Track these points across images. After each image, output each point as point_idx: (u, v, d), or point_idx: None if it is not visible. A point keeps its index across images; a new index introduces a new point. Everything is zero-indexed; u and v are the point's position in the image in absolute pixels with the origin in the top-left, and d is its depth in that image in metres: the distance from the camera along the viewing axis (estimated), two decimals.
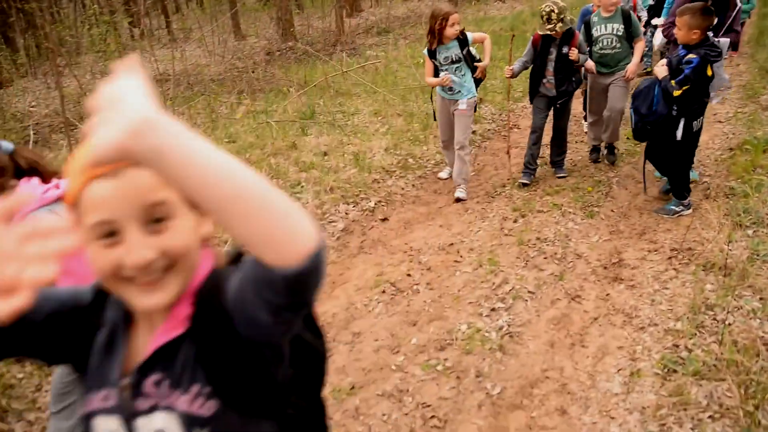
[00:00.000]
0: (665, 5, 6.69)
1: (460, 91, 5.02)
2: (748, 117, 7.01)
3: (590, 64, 5.25)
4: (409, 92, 8.09)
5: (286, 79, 9.58)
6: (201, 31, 13.69)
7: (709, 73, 4.16)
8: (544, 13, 4.90)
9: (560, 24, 4.83)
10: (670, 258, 4.09)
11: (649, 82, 4.32)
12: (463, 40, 4.92)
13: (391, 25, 15.66)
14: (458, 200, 5.16)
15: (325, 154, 6.05)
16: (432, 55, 5.01)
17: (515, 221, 4.75)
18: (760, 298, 3.44)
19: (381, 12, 17.86)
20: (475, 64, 5.07)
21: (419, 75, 8.65)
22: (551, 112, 5.41)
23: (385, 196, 5.31)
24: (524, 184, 5.41)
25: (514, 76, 5.30)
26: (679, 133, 4.27)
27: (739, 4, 4.95)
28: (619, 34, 5.23)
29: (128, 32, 14.90)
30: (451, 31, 4.78)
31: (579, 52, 5.02)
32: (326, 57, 10.95)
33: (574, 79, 5.19)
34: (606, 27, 5.26)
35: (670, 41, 4.89)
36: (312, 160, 5.82)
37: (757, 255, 3.90)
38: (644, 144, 4.79)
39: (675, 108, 4.16)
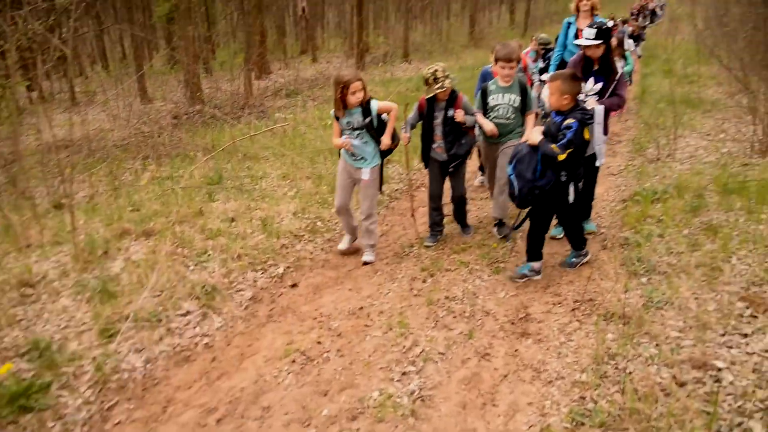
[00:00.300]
0: (551, 63, 7.31)
1: (363, 158, 4.97)
2: (638, 169, 7.45)
3: (489, 125, 5.16)
4: (317, 154, 8.14)
5: (193, 143, 9.45)
6: (105, 95, 13.37)
7: (587, 136, 4.29)
8: (428, 74, 4.94)
9: (447, 81, 4.88)
10: (573, 310, 4.21)
11: (528, 148, 4.33)
12: (366, 109, 4.86)
13: (299, 87, 15.87)
14: (365, 263, 5.13)
15: (233, 220, 5.95)
16: (339, 118, 4.98)
17: (424, 281, 4.79)
18: (656, 345, 3.58)
19: (290, 74, 18.09)
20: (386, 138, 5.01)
21: (327, 137, 8.75)
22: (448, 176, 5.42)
23: (294, 261, 5.25)
24: (428, 246, 5.44)
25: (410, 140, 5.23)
26: (570, 197, 4.36)
27: (621, 70, 5.19)
28: (516, 105, 5.20)
29: (26, 96, 14.37)
30: (352, 99, 4.72)
31: (466, 113, 5.05)
32: (234, 120, 10.91)
33: (464, 141, 5.17)
34: (503, 97, 5.20)
35: None
36: (219, 226, 5.70)
37: (652, 302, 4.08)
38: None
39: (564, 174, 4.22)
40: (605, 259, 4.96)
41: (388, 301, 4.47)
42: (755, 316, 3.74)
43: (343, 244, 5.43)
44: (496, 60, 5.40)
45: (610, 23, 18.30)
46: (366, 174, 4.97)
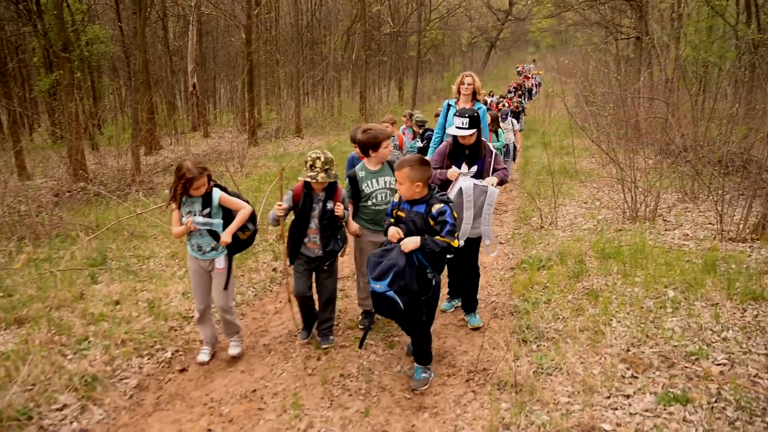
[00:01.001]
0: (431, 146, 7.05)
1: (213, 249, 4.46)
2: (523, 238, 7.79)
3: (354, 226, 4.87)
4: None
5: (75, 222, 8.97)
6: None
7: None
8: (309, 159, 4.45)
9: (323, 174, 4.41)
10: (467, 380, 4.26)
11: (403, 258, 3.79)
12: (207, 198, 4.37)
13: None
14: (234, 358, 4.70)
15: (117, 303, 5.64)
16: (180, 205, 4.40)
17: (318, 359, 4.71)
18: (548, 411, 3.67)
19: (180, 150, 17.77)
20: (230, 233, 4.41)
21: None
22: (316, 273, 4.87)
23: (183, 344, 5.01)
24: (303, 342, 4.99)
25: (287, 213, 4.69)
26: (432, 290, 4.00)
27: (494, 149, 5.10)
28: (392, 186, 4.81)
29: None
30: (194, 193, 4.27)
31: (345, 207, 4.68)
32: (121, 198, 10.52)
33: (340, 236, 4.76)
34: (378, 181, 4.84)
35: (436, 184, 4.57)
36: (102, 310, 5.39)
37: (542, 368, 4.20)
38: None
39: (429, 270, 3.91)
40: (496, 328, 5.08)
41: (282, 382, 4.34)
42: (635, 377, 3.93)
43: (204, 355, 4.72)
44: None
45: (490, 99, 19.38)
46: (221, 262, 4.49)
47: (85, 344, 4.77)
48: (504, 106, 20.63)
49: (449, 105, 7.02)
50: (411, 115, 10.44)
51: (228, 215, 4.51)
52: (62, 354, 4.56)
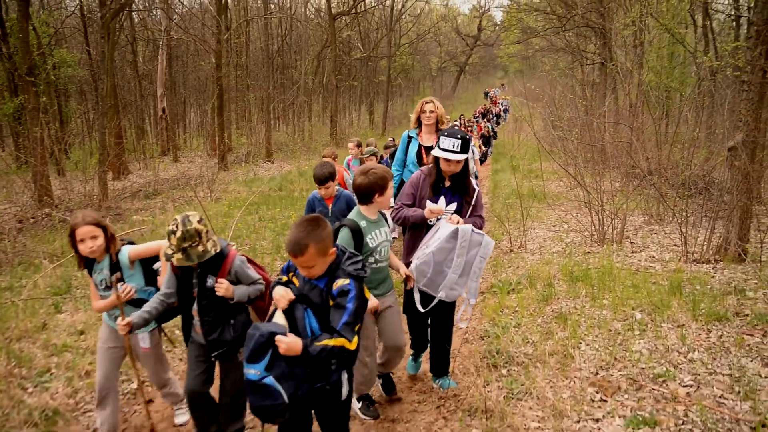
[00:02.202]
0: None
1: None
2: (493, 261, 7.83)
3: (374, 302, 3.70)
4: None
5: (39, 249, 8.79)
6: None
7: (367, 294, 3.08)
8: (168, 231, 3.20)
9: (179, 255, 3.19)
10: (438, 407, 4.24)
11: (276, 327, 2.71)
12: (115, 263, 3.57)
13: (159, 188, 15.44)
14: (181, 425, 4.12)
15: (82, 332, 5.52)
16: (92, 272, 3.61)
17: None
18: None
19: (149, 175, 17.60)
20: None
21: None
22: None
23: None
24: None
25: (132, 330, 3.41)
26: (344, 391, 2.93)
27: (477, 187, 4.28)
28: (390, 238, 3.91)
29: None
30: (83, 248, 3.44)
31: (239, 281, 3.47)
32: None
33: (233, 322, 3.46)
34: (380, 233, 3.80)
35: (401, 224, 4.20)
36: (65, 341, 5.26)
37: (512, 393, 4.20)
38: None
39: (333, 362, 2.77)
40: (466, 353, 5.08)
41: None
42: (605, 400, 3.95)
43: None
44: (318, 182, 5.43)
45: (458, 123, 19.54)
46: (145, 341, 3.74)
47: (47, 376, 4.65)
48: (473, 130, 20.85)
49: (410, 137, 6.17)
50: (359, 144, 9.12)
51: (151, 275, 3.73)
52: (22, 387, 4.44)
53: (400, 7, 36.50)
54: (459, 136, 3.94)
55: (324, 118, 32.82)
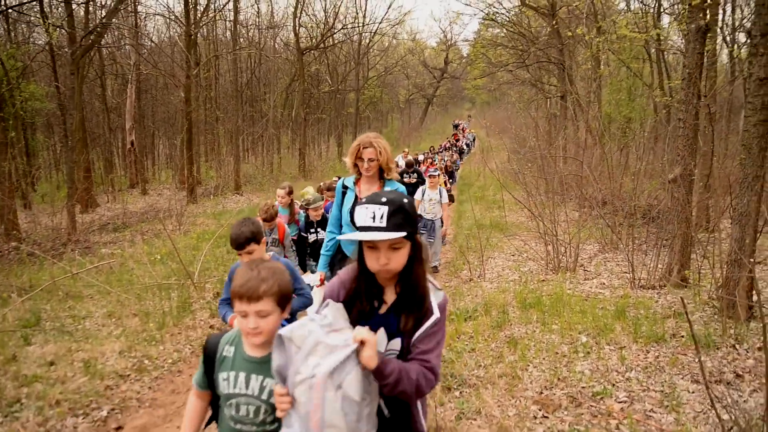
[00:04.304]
0: (322, 252, 4.80)
1: None
2: (453, 290, 8.16)
3: None
4: (145, 290, 8.03)
5: (7, 283, 8.88)
6: None
7: None
8: None
9: None
10: None
11: None
12: None
13: (128, 221, 15.54)
14: None
15: (52, 363, 5.67)
16: None
17: None
18: None
19: (118, 207, 17.68)
20: None
21: (155, 272, 8.68)
22: None
23: (119, 402, 5.09)
24: None
25: None
26: None
27: (437, 313, 3.20)
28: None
29: None
30: None
31: None
32: (55, 258, 10.45)
33: None
34: (255, 380, 2.33)
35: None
36: (35, 372, 5.41)
37: (464, 413, 4.49)
38: None
39: None
40: None
41: None
42: (546, 417, 4.27)
43: None
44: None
45: (421, 157, 19.85)
46: None
47: (17, 406, 4.80)
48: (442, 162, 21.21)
49: (345, 187, 4.57)
50: (291, 191, 7.25)
51: None
52: None
53: (367, 41, 37.27)
54: (385, 200, 2.10)
55: (293, 150, 33.19)
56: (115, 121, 27.18)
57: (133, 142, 23.46)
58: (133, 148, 23.56)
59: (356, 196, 4.46)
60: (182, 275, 8.19)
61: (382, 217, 2.08)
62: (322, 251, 4.76)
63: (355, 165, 4.39)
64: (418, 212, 8.99)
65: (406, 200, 2.16)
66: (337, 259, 4.78)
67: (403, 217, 2.11)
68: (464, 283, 8.60)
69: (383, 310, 2.24)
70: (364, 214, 2.12)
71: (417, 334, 2.16)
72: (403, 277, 2.20)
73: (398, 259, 2.14)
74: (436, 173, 9.61)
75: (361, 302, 2.22)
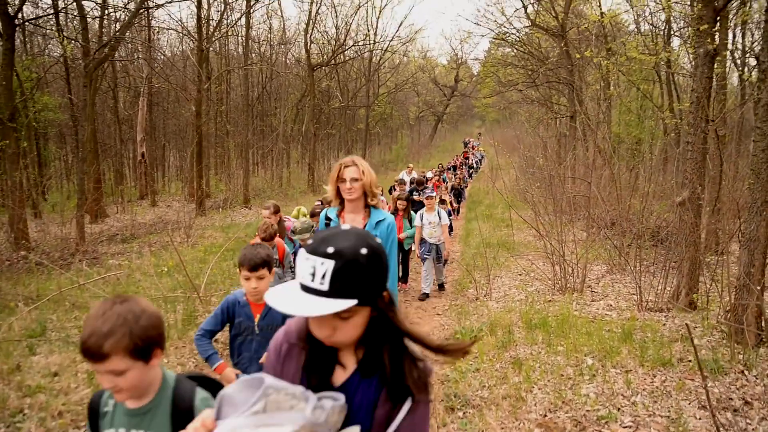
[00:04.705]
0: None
1: None
2: (459, 309, 8.13)
3: None
4: (152, 302, 8.03)
5: (14, 292, 8.92)
6: None
7: None
8: None
9: None
10: None
11: None
12: None
13: (137, 232, 15.60)
14: None
15: (56, 374, 5.68)
16: None
17: None
18: None
19: (127, 218, 17.76)
20: None
21: (162, 284, 8.70)
22: None
23: None
24: None
25: None
26: None
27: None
28: None
29: None
30: None
31: None
32: (63, 268, 10.49)
33: None
34: None
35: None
36: (39, 382, 5.42)
37: None
38: None
39: None
40: None
41: None
42: None
43: None
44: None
45: (427, 175, 19.83)
46: None
47: (20, 417, 4.80)
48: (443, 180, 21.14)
49: (328, 219, 4.10)
50: (277, 210, 6.92)
51: None
52: None
53: (378, 58, 37.48)
54: (332, 251, 1.49)
55: (302, 165, 33.30)
56: (126, 132, 27.39)
57: (143, 153, 23.61)
58: (143, 160, 23.70)
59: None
60: (188, 288, 8.19)
61: (323, 276, 1.47)
62: None
63: (338, 193, 3.94)
64: (423, 236, 8.94)
65: (365, 250, 1.50)
66: None
67: (357, 275, 1.48)
68: (470, 302, 8.57)
69: (341, 379, 1.66)
70: (303, 268, 1.51)
71: (390, 429, 1.58)
72: (366, 342, 1.64)
73: (348, 331, 1.56)
74: (432, 194, 9.30)
75: (307, 370, 1.67)
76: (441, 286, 9.59)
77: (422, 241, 8.98)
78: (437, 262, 9.21)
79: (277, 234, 6.32)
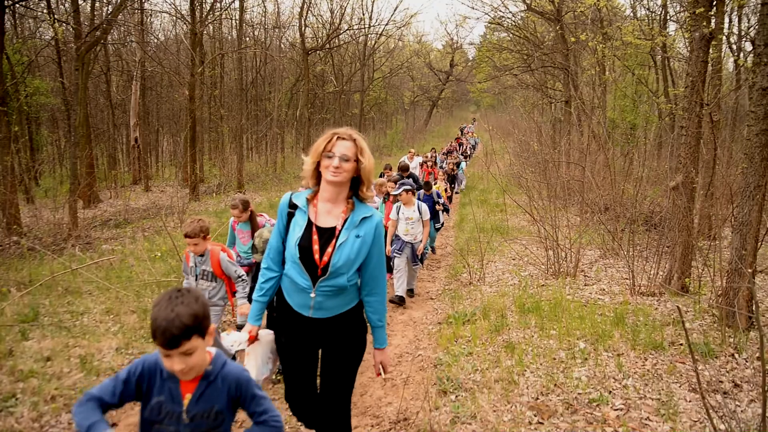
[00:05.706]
0: None
1: None
2: (452, 293, 8.14)
3: None
4: (144, 287, 8.03)
5: (6, 277, 8.89)
6: None
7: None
8: None
9: None
10: (390, 430, 4.49)
11: None
12: None
13: (130, 217, 15.55)
14: None
15: (48, 359, 5.67)
16: None
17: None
18: None
19: (120, 203, 17.69)
20: None
21: (155, 269, 8.68)
22: None
23: None
24: None
25: None
26: None
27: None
28: None
29: None
30: None
31: None
32: (56, 253, 10.45)
33: None
34: None
35: None
36: (31, 367, 5.41)
37: (458, 417, 4.48)
38: None
39: None
40: (419, 380, 5.36)
41: None
42: (541, 423, 4.25)
43: None
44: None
45: (421, 160, 19.74)
46: None
47: (12, 401, 4.80)
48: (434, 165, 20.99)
49: (293, 206, 3.13)
50: (247, 205, 6.58)
51: None
52: None
53: (373, 43, 37.26)
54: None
55: (297, 150, 33.16)
56: (119, 117, 27.21)
57: (137, 138, 23.47)
58: (136, 145, 23.57)
59: (310, 221, 3.02)
60: (181, 273, 8.18)
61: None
62: (254, 296, 3.23)
63: (317, 171, 3.01)
64: (397, 233, 8.00)
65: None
66: (275, 306, 3.34)
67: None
68: (464, 286, 8.58)
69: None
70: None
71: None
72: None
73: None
74: (399, 190, 7.97)
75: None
76: (411, 292, 8.41)
77: (395, 237, 8.04)
78: (413, 263, 8.12)
79: (255, 227, 6.30)
